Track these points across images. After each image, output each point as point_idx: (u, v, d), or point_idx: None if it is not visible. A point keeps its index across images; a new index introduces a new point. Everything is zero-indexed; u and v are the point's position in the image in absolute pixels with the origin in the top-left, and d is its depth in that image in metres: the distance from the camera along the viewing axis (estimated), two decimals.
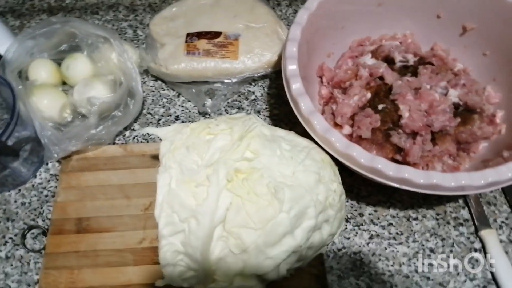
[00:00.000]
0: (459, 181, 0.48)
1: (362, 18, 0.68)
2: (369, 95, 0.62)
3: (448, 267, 0.59)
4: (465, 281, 0.58)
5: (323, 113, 0.65)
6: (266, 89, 0.74)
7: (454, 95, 0.61)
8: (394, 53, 0.65)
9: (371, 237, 0.61)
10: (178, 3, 0.76)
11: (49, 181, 0.65)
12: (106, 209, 0.61)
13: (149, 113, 0.71)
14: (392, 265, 0.59)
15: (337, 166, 0.54)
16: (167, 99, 0.73)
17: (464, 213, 0.63)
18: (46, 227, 0.61)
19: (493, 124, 0.62)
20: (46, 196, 0.64)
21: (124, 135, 0.69)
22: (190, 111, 0.71)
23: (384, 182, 0.50)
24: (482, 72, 0.66)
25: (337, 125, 0.62)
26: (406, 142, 0.59)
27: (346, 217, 0.62)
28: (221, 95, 0.70)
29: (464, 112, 0.61)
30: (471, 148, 0.62)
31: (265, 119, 0.71)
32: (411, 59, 0.65)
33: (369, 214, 0.63)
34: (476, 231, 0.61)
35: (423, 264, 0.59)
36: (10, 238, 0.61)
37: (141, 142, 0.68)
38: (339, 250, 0.60)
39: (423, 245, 0.60)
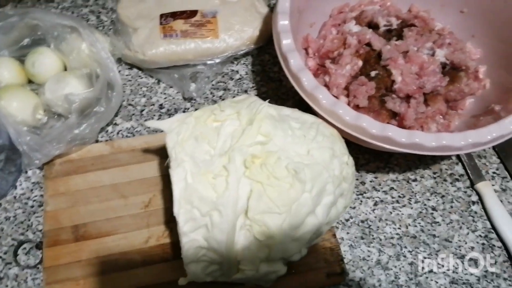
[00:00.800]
0: (467, 139, 0.49)
1: None
2: (360, 63, 0.61)
3: (451, 222, 0.61)
4: (467, 234, 0.60)
5: None
6: (250, 67, 0.71)
7: (441, 55, 0.62)
8: (378, 18, 0.65)
9: (375, 204, 0.62)
10: None
11: (32, 190, 0.60)
12: (103, 212, 0.58)
13: (130, 105, 0.67)
14: (399, 228, 0.60)
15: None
16: (147, 87, 0.68)
17: (459, 168, 0.65)
18: (39, 240, 0.57)
19: (477, 80, 0.63)
20: (32, 206, 0.59)
21: (107, 131, 0.64)
22: (174, 98, 0.67)
23: (395, 150, 0.50)
24: (461, 30, 0.67)
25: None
26: (401, 107, 0.59)
27: None
28: (204, 78, 0.67)
29: (451, 70, 0.62)
30: (459, 105, 0.64)
31: None
32: (395, 23, 0.65)
33: (370, 181, 0.63)
34: (472, 184, 0.63)
35: (427, 223, 0.61)
36: (0, 257, 0.56)
37: (126, 136, 0.64)
38: (347, 220, 0.60)
39: (425, 204, 0.62)
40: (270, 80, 0.70)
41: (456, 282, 0.57)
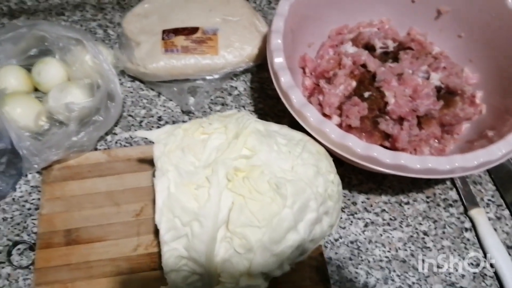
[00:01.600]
0: (453, 163, 0.49)
1: (339, 6, 0.68)
2: (354, 83, 0.62)
3: (442, 248, 0.60)
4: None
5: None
6: (248, 84, 0.72)
7: (436, 78, 0.62)
8: (374, 40, 0.66)
9: (366, 225, 0.61)
10: None
11: (30, 193, 0.62)
12: (96, 218, 0.59)
13: (130, 115, 0.69)
14: (388, 251, 0.60)
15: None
16: (147, 99, 0.70)
17: (453, 194, 0.64)
18: (33, 241, 0.58)
19: (473, 105, 0.63)
20: (29, 209, 0.61)
21: (106, 140, 0.66)
22: (172, 111, 0.69)
23: (380, 170, 0.50)
24: (458, 54, 0.67)
25: (325, 116, 0.62)
26: (394, 128, 0.59)
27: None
28: (203, 92, 0.69)
29: (446, 94, 0.63)
30: (455, 129, 0.64)
31: (250, 114, 0.69)
32: (391, 45, 0.66)
33: (362, 202, 0.63)
34: (466, 210, 0.63)
35: (418, 248, 0.60)
36: None
37: (124, 146, 0.66)
38: (336, 240, 0.60)
39: (416, 228, 0.61)
40: (268, 97, 0.71)
41: None
